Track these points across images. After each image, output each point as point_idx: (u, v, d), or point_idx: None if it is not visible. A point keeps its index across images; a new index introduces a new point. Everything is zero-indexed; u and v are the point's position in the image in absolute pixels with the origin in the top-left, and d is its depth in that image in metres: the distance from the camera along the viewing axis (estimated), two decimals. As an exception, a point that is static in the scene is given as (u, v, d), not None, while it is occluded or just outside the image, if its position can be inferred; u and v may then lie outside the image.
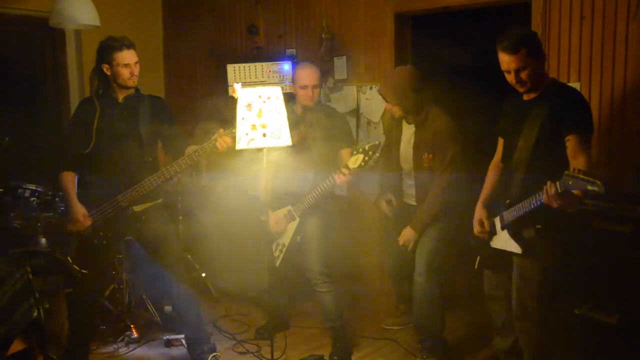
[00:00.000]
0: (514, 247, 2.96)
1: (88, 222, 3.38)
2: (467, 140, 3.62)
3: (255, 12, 5.18)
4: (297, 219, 3.72)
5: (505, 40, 2.78)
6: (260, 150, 2.99)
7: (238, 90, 3.00)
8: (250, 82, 4.89)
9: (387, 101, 3.57)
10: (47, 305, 3.29)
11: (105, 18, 4.39)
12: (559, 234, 2.87)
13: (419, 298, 3.64)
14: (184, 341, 3.85)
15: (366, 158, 3.35)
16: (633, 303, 3.02)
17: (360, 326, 4.23)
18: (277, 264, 3.78)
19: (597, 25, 3.48)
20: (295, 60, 4.89)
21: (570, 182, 2.50)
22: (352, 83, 4.62)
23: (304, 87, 3.69)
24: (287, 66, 4.87)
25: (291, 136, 3.01)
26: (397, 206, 3.58)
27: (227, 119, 3.32)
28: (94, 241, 3.42)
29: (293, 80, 3.76)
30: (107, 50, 3.37)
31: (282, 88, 3.61)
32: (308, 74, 3.71)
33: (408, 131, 3.64)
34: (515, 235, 2.96)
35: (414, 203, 3.68)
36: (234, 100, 3.03)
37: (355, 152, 3.40)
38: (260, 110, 2.90)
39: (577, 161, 2.72)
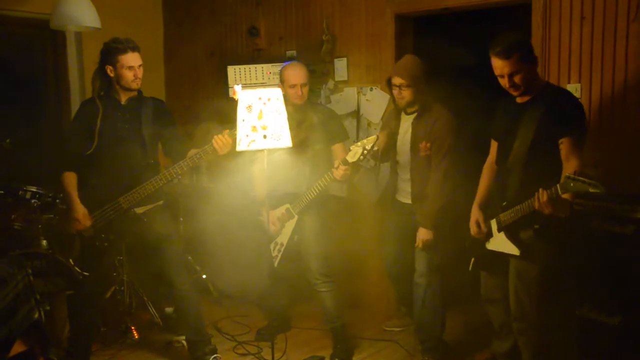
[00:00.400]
0: (511, 249, 2.96)
1: (88, 222, 3.39)
2: (467, 141, 3.62)
3: (256, 14, 5.18)
4: (295, 217, 3.72)
5: (498, 46, 2.81)
6: (260, 150, 2.98)
7: (238, 92, 3.01)
8: (250, 83, 4.89)
9: (396, 84, 3.54)
10: (48, 307, 3.31)
11: (106, 20, 4.39)
12: (556, 234, 2.88)
13: (420, 299, 3.64)
14: (184, 343, 3.85)
15: (364, 152, 3.35)
16: (634, 304, 3.02)
17: (360, 327, 4.23)
18: (276, 263, 3.77)
19: (598, 26, 3.48)
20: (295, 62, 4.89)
21: (572, 185, 2.51)
22: (353, 84, 4.62)
23: (293, 86, 3.68)
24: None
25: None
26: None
27: (228, 120, 3.32)
28: (96, 243, 3.43)
29: (281, 81, 3.75)
30: (111, 51, 3.38)
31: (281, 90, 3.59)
32: (296, 73, 3.70)
33: (405, 123, 3.64)
34: (513, 237, 2.97)
35: (408, 201, 3.68)
36: (234, 102, 3.03)
37: (353, 147, 3.41)
38: (261, 112, 2.91)
39: (569, 164, 2.74)
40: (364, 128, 4.56)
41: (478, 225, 3.14)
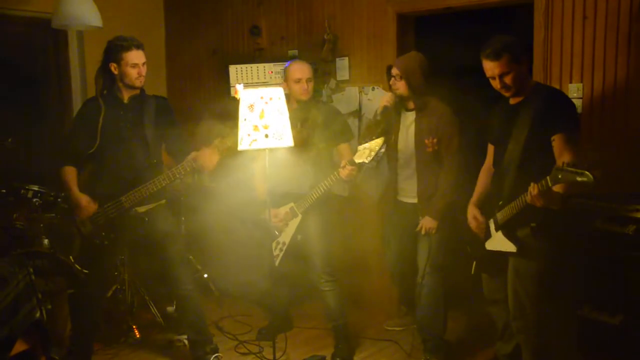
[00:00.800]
0: (508, 246, 2.98)
1: (93, 206, 3.38)
2: (470, 141, 3.62)
3: (258, 13, 5.18)
4: (299, 216, 3.72)
5: (488, 48, 2.88)
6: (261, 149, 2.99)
7: (240, 91, 3.01)
8: (252, 83, 4.89)
9: (393, 74, 3.57)
10: (49, 306, 3.32)
11: (108, 19, 4.39)
12: (553, 232, 2.89)
13: (423, 298, 3.64)
14: (186, 342, 3.85)
15: (372, 153, 3.35)
16: (636, 304, 3.02)
17: (362, 327, 4.23)
18: (277, 262, 3.77)
19: (600, 26, 3.47)
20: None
21: (560, 176, 2.53)
22: (354, 84, 4.62)
23: (298, 81, 3.67)
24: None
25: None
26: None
27: (229, 118, 3.33)
28: (97, 242, 3.43)
29: (285, 78, 3.74)
30: (116, 49, 3.38)
31: (284, 89, 3.59)
32: (300, 68, 3.71)
33: (407, 119, 3.64)
34: (509, 235, 2.98)
35: (410, 201, 3.68)
36: (236, 101, 3.03)
37: (360, 147, 3.41)
38: (263, 111, 2.91)
39: (562, 159, 2.74)
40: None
41: (475, 219, 3.15)
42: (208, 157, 3.27)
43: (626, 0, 3.37)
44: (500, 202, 3.01)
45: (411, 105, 3.61)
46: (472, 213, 3.20)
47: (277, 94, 2.96)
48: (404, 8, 4.32)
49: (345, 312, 3.87)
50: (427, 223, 3.56)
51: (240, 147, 2.97)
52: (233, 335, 4.18)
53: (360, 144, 3.44)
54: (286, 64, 3.86)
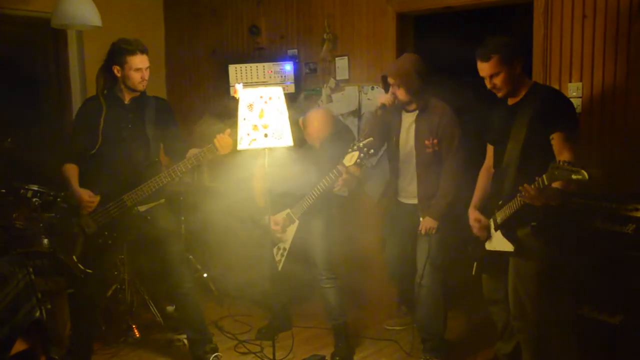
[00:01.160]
0: (507, 246, 2.98)
1: (96, 199, 3.38)
2: (470, 140, 3.62)
3: (257, 13, 5.18)
4: (297, 222, 3.72)
5: (481, 49, 2.93)
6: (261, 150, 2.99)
7: (239, 91, 3.01)
8: (251, 82, 4.89)
9: (390, 83, 3.56)
10: (49, 306, 3.31)
11: (107, 19, 4.39)
12: (553, 232, 2.90)
13: (422, 298, 3.64)
14: (185, 341, 3.85)
15: (361, 155, 3.35)
16: (636, 304, 3.02)
17: (362, 326, 4.23)
18: (280, 267, 3.78)
19: (599, 25, 3.47)
20: (296, 61, 4.88)
21: (556, 173, 2.53)
22: (354, 83, 4.61)
23: (312, 139, 3.69)
24: (288, 67, 4.87)
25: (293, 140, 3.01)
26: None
27: (228, 116, 3.33)
28: (99, 240, 3.43)
29: (304, 123, 3.71)
30: (120, 52, 3.37)
31: (284, 88, 3.59)
32: (319, 129, 3.68)
33: (408, 120, 3.64)
34: (508, 234, 2.99)
35: (410, 201, 3.68)
36: (235, 101, 3.03)
37: (350, 150, 3.41)
38: (262, 111, 2.90)
39: (562, 157, 2.77)
40: (365, 127, 4.55)
41: (477, 221, 3.15)
42: (224, 141, 3.26)
43: (625, 0, 3.37)
44: (500, 202, 3.01)
45: (413, 106, 3.61)
46: (474, 216, 3.19)
47: (277, 93, 2.96)
48: (403, 7, 4.32)
49: (345, 311, 3.87)
50: (427, 223, 3.56)
51: (239, 147, 2.97)
52: (233, 335, 4.18)
53: (351, 146, 3.43)
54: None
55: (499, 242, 3.04)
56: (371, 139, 3.38)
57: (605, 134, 3.49)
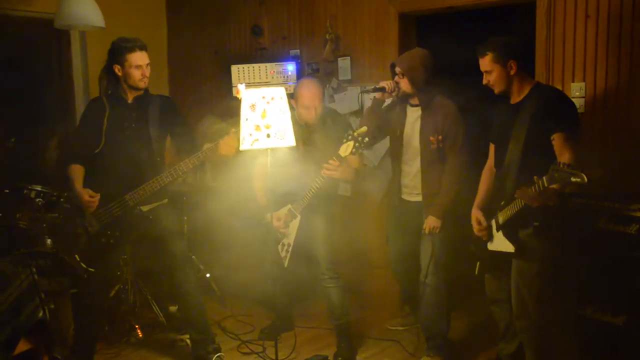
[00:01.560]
0: (507, 246, 2.99)
1: (96, 199, 3.38)
2: (472, 139, 3.62)
3: (259, 13, 5.19)
4: (298, 217, 3.72)
5: (481, 45, 2.98)
6: (262, 151, 2.99)
7: (242, 91, 3.01)
8: (254, 82, 4.89)
9: (397, 72, 3.56)
10: (52, 306, 3.32)
11: (110, 19, 4.40)
12: (556, 232, 2.90)
13: (426, 297, 3.64)
14: (188, 341, 3.86)
15: (356, 144, 3.35)
16: (639, 304, 3.01)
17: (365, 327, 4.23)
18: (286, 264, 3.77)
19: (602, 25, 3.47)
20: (299, 61, 4.89)
21: (556, 175, 2.54)
22: (356, 83, 4.61)
23: (307, 108, 3.63)
24: (291, 67, 4.87)
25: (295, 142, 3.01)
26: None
27: (230, 116, 3.33)
28: (102, 240, 3.44)
29: (295, 97, 3.67)
30: (119, 51, 3.38)
31: (286, 89, 3.59)
32: (311, 95, 3.61)
33: (413, 115, 3.64)
34: (509, 235, 2.99)
35: (414, 199, 3.67)
36: (238, 101, 3.03)
37: (345, 140, 3.40)
38: (264, 111, 2.91)
39: (563, 157, 2.78)
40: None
41: (479, 223, 3.15)
42: (228, 144, 3.27)
43: (628, 0, 3.37)
44: (502, 203, 3.01)
45: (416, 100, 3.61)
46: (476, 216, 3.19)
47: (279, 93, 2.96)
48: (405, 8, 4.32)
49: (348, 311, 3.87)
50: (430, 222, 3.56)
51: (242, 147, 2.97)
52: (235, 335, 4.19)
53: (346, 136, 3.41)
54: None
55: (500, 243, 3.04)
56: (365, 128, 3.37)
57: (608, 133, 3.48)
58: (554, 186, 2.60)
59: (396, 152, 3.74)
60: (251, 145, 2.91)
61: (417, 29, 4.54)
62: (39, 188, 3.86)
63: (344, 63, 4.66)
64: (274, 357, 3.31)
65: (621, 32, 3.41)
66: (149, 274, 4.36)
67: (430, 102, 3.56)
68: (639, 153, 3.37)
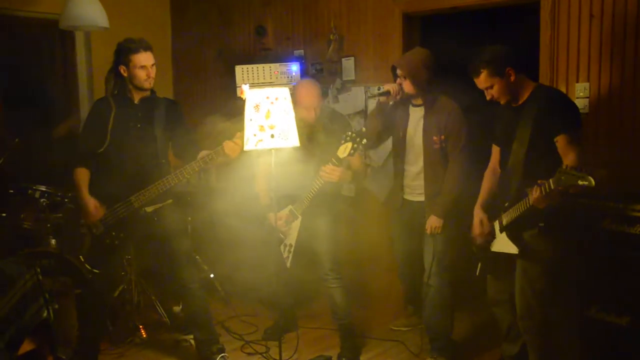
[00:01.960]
0: (511, 248, 2.99)
1: (100, 213, 3.39)
2: (473, 139, 3.61)
3: (263, 14, 5.19)
4: (299, 218, 3.72)
5: (470, 66, 2.97)
6: (264, 152, 2.99)
7: (246, 92, 3.01)
8: (258, 83, 4.90)
9: (399, 74, 3.56)
10: (56, 306, 3.31)
11: (114, 20, 4.41)
12: (561, 232, 2.90)
13: (430, 298, 3.64)
14: (192, 342, 3.86)
15: (354, 145, 3.34)
16: (644, 304, 3.01)
17: (368, 327, 4.22)
18: (288, 264, 3.78)
19: (607, 25, 3.46)
20: (303, 62, 4.89)
21: (563, 178, 2.54)
22: (360, 84, 4.61)
23: (306, 108, 3.61)
24: (295, 67, 4.87)
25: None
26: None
27: (234, 116, 3.33)
28: (106, 241, 3.44)
29: (294, 98, 3.67)
30: (124, 52, 3.39)
31: (290, 89, 3.58)
32: (311, 96, 3.61)
33: (416, 115, 3.63)
34: (513, 237, 2.99)
35: (417, 199, 3.67)
36: (242, 102, 3.03)
37: (343, 141, 3.39)
38: (269, 111, 2.91)
39: (567, 158, 2.79)
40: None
41: (481, 224, 3.15)
42: (233, 146, 3.27)
43: (633, 0, 3.35)
44: (506, 204, 3.01)
45: (419, 100, 3.61)
46: (479, 217, 3.19)
47: (283, 93, 2.96)
48: (410, 8, 4.32)
49: (352, 311, 3.87)
50: (432, 222, 3.56)
51: (246, 147, 2.98)
52: (239, 335, 4.19)
53: (344, 137, 3.40)
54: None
55: (503, 244, 3.04)
56: (364, 129, 3.37)
57: (613, 134, 3.47)
58: (560, 188, 2.60)
59: (399, 153, 3.74)
60: (255, 145, 2.91)
61: (421, 29, 4.53)
62: (43, 188, 3.87)
63: (348, 63, 4.66)
64: (277, 357, 3.32)
65: (626, 32, 3.40)
66: (153, 274, 4.36)
67: (433, 102, 3.55)
68: (644, 153, 3.36)
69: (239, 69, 4.96)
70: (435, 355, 3.67)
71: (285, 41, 5.05)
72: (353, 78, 4.65)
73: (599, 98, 3.50)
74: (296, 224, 3.73)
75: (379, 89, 3.67)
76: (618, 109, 3.46)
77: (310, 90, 3.64)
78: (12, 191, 3.86)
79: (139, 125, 3.48)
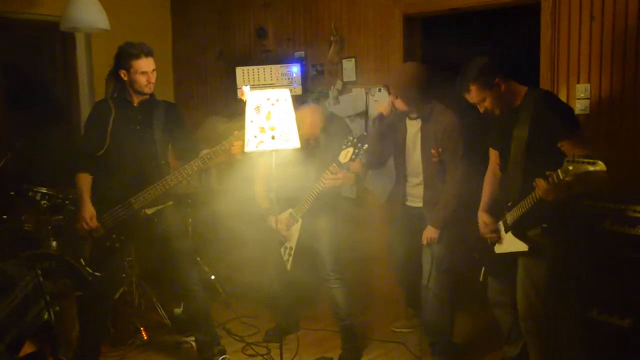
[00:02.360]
0: (520, 246, 2.97)
1: (94, 224, 3.39)
2: (472, 145, 3.60)
3: (264, 15, 5.19)
4: (300, 221, 3.72)
5: (458, 82, 2.95)
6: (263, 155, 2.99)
7: (247, 93, 3.01)
8: (259, 84, 4.90)
9: (390, 93, 3.57)
10: (57, 308, 3.32)
11: (115, 21, 4.41)
12: (565, 232, 2.89)
13: (429, 302, 3.63)
14: (193, 343, 3.86)
15: (356, 150, 3.35)
16: (645, 306, 3.00)
17: (369, 329, 4.22)
18: (288, 267, 3.78)
19: (607, 26, 3.45)
20: (304, 63, 4.89)
21: (571, 168, 2.51)
22: (361, 85, 4.61)
23: (307, 133, 3.62)
24: (295, 69, 4.87)
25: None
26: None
27: (234, 117, 3.33)
28: (107, 243, 3.44)
29: (296, 123, 3.71)
30: (125, 56, 3.39)
31: (291, 91, 3.58)
32: (312, 125, 3.64)
33: (413, 128, 3.63)
34: (520, 235, 2.98)
35: (418, 205, 3.67)
36: (242, 103, 3.03)
37: (344, 147, 3.40)
38: (269, 113, 2.91)
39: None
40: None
41: (486, 225, 3.14)
42: (234, 143, 3.28)
43: (634, 1, 3.35)
44: (510, 203, 3.01)
45: (414, 114, 3.60)
46: (483, 219, 3.19)
47: (284, 95, 2.96)
48: (410, 9, 4.32)
49: (353, 312, 3.86)
50: (428, 233, 3.55)
51: (246, 149, 2.97)
52: (240, 337, 4.18)
53: (345, 143, 3.41)
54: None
55: (510, 244, 3.03)
56: (364, 133, 3.37)
57: (614, 135, 3.46)
58: (568, 179, 2.59)
59: (399, 164, 3.74)
60: (256, 147, 2.91)
61: (422, 30, 4.53)
62: (44, 190, 3.87)
63: (348, 64, 4.66)
64: (279, 359, 3.31)
65: (626, 33, 3.39)
66: (154, 276, 4.36)
67: (429, 113, 3.54)
68: (644, 154, 3.36)
69: (239, 71, 4.96)
70: (436, 357, 3.66)
71: (286, 42, 5.05)
72: (354, 79, 4.65)
73: (600, 99, 3.50)
74: (296, 227, 3.73)
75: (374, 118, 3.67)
76: (619, 110, 3.46)
77: (312, 120, 3.67)
78: (12, 193, 3.86)
79: (138, 128, 3.48)
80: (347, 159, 3.38)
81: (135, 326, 4.16)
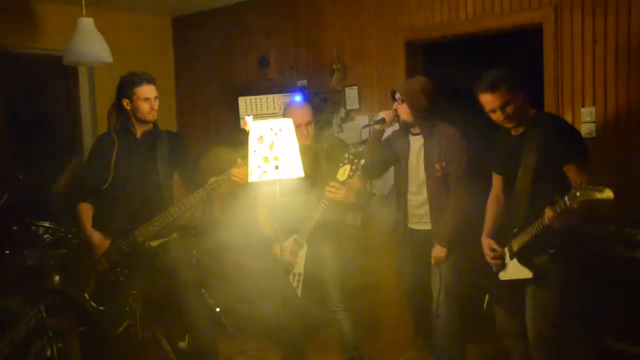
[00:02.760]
0: (524, 273, 2.93)
1: (106, 245, 3.37)
2: (475, 164, 3.58)
3: (266, 45, 5.21)
4: (305, 245, 3.68)
5: (484, 82, 2.90)
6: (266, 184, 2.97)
7: (250, 123, 3.00)
8: (262, 114, 4.90)
9: (397, 97, 3.56)
10: (60, 344, 3.28)
11: (118, 55, 4.43)
12: (572, 259, 2.86)
13: (439, 328, 3.57)
14: (199, 378, 3.79)
15: (353, 167, 3.32)
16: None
17: (378, 359, 4.14)
18: (299, 293, 3.73)
19: (610, 49, 3.45)
20: (306, 91, 4.89)
21: (578, 194, 2.50)
22: (364, 113, 4.61)
23: (297, 126, 3.57)
24: (298, 98, 4.88)
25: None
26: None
27: (238, 143, 3.33)
28: (111, 277, 3.42)
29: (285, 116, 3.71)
30: (127, 84, 3.41)
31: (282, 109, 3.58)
32: (300, 113, 3.64)
33: (416, 144, 3.61)
34: (525, 262, 2.94)
35: (422, 227, 3.62)
36: (245, 133, 3.02)
37: (341, 165, 3.37)
38: (272, 143, 2.89)
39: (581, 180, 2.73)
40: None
41: (492, 250, 3.10)
42: (242, 173, 3.25)
43: (636, 23, 3.35)
44: (515, 230, 2.97)
45: (416, 129, 3.59)
46: (488, 245, 3.15)
47: (287, 125, 2.95)
48: (413, 36, 4.33)
49: (361, 343, 3.81)
50: (436, 252, 3.51)
51: (250, 179, 2.95)
52: (247, 370, 4.12)
53: (342, 160, 3.39)
54: (288, 103, 3.82)
55: (515, 271, 2.99)
56: (361, 149, 3.36)
57: (621, 157, 3.44)
58: (574, 206, 2.55)
59: (401, 183, 3.71)
60: (260, 177, 2.89)
61: (424, 57, 4.53)
62: (47, 224, 3.85)
63: (351, 92, 4.66)
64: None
65: (630, 55, 3.39)
66: (159, 309, 4.30)
67: (432, 129, 3.53)
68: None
69: (242, 101, 4.97)
70: (447, 387, 3.59)
71: (289, 71, 5.06)
72: (357, 107, 4.65)
73: (606, 122, 3.48)
74: (302, 252, 3.69)
75: (373, 117, 3.66)
76: (625, 133, 3.44)
77: (299, 108, 3.68)
78: (15, 228, 3.84)
79: (141, 159, 3.48)
80: (345, 177, 3.35)
81: (140, 361, 4.09)
